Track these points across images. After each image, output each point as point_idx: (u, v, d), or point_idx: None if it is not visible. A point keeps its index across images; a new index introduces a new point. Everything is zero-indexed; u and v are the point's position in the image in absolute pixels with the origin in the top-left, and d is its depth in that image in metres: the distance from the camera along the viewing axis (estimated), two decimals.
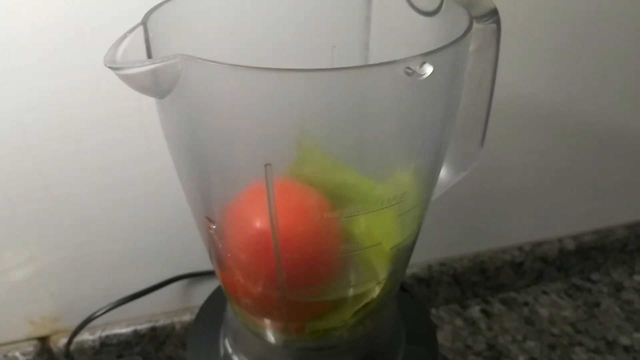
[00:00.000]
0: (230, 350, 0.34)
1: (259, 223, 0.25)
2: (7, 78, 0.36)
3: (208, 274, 0.50)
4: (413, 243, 0.30)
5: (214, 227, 0.26)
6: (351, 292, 0.28)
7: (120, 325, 0.49)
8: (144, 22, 0.24)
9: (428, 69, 0.21)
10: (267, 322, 0.30)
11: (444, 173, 0.36)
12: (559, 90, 0.51)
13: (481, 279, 0.59)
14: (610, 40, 0.49)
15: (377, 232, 0.26)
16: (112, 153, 0.41)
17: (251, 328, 0.32)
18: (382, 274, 0.28)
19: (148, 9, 0.26)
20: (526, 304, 0.60)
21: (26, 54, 0.36)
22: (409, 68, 0.21)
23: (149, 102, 0.40)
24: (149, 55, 0.25)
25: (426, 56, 0.21)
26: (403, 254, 0.29)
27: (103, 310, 0.45)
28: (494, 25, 0.31)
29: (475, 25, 0.29)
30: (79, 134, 0.40)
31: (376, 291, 0.29)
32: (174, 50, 0.21)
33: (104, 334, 0.49)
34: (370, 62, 0.35)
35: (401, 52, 0.32)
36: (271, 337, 0.31)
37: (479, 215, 0.57)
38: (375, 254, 0.27)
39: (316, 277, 0.27)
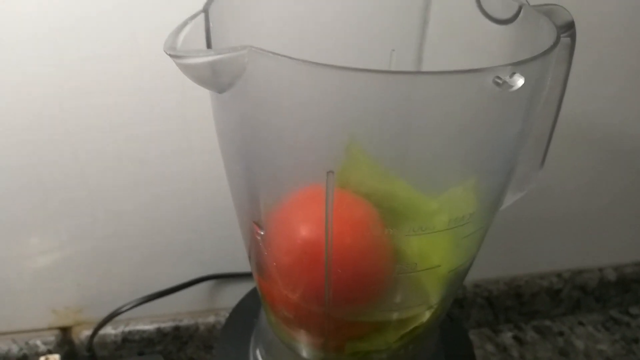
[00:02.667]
0: None
1: (312, 232, 0.23)
2: (49, 63, 0.36)
3: (236, 277, 0.48)
4: (469, 266, 0.28)
5: (262, 233, 0.24)
6: (399, 315, 0.26)
7: (144, 322, 0.48)
8: (206, 10, 0.23)
9: (519, 81, 0.19)
10: (305, 337, 0.29)
11: None
12: (616, 113, 0.48)
13: (516, 304, 0.57)
14: None
15: (437, 254, 0.24)
16: (151, 146, 0.40)
17: (286, 341, 0.30)
18: (435, 298, 0.26)
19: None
20: (561, 333, 0.57)
21: (69, 40, 0.35)
22: (499, 78, 0.19)
23: (192, 95, 0.39)
24: (209, 45, 0.23)
25: (517, 66, 0.19)
26: (459, 277, 0.27)
27: (128, 307, 0.44)
28: (569, 39, 0.29)
29: None
30: (118, 124, 0.39)
31: (426, 315, 0.27)
32: (232, 41, 0.20)
33: (127, 329, 0.47)
34: (426, 68, 0.33)
35: (465, 60, 0.31)
36: (307, 353, 0.29)
37: (518, 237, 0.54)
38: (430, 277, 0.25)
39: (366, 296, 0.25)
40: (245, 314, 0.36)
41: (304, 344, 0.29)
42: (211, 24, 0.23)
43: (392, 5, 0.33)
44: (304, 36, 0.30)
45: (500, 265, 0.55)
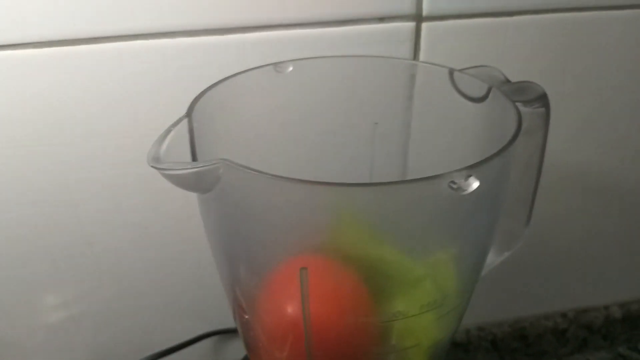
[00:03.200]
0: None
1: (291, 320, 0.24)
2: (54, 139, 0.38)
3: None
4: (452, 337, 0.29)
5: (247, 317, 0.26)
6: None
7: None
8: (189, 114, 0.25)
9: (474, 184, 0.20)
10: None
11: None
12: (610, 157, 0.49)
13: (521, 346, 0.57)
14: None
15: (417, 333, 0.25)
16: (153, 213, 0.42)
17: None
18: None
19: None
20: None
21: (75, 118, 0.37)
22: (453, 182, 0.20)
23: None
24: (192, 144, 0.25)
25: (472, 169, 0.20)
26: (442, 349, 0.28)
27: None
28: (543, 109, 0.30)
29: (523, 109, 0.29)
30: (122, 194, 0.41)
31: None
32: (219, 134, 0.22)
33: None
34: (412, 141, 0.34)
35: (445, 134, 0.32)
36: None
37: (521, 279, 0.55)
38: (412, 354, 0.26)
39: None
40: None
41: None
42: (196, 124, 0.25)
43: (375, 83, 0.34)
44: (292, 117, 0.32)
45: (504, 307, 0.56)
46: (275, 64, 0.30)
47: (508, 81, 0.31)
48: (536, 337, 0.56)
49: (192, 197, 0.41)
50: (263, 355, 0.28)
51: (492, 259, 0.35)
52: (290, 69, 0.30)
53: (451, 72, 0.30)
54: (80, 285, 0.44)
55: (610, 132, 0.47)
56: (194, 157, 0.24)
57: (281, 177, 0.19)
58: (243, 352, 0.41)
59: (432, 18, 0.38)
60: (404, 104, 0.34)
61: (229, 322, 0.49)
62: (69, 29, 0.34)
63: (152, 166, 0.21)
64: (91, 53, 0.35)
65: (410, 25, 0.37)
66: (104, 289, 0.45)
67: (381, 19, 0.37)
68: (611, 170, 0.49)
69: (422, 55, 0.38)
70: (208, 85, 0.27)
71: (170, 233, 0.43)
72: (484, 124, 0.30)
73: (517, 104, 0.28)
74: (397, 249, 0.23)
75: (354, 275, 0.25)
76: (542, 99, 0.30)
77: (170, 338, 0.47)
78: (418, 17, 0.37)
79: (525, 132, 0.31)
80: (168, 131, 0.23)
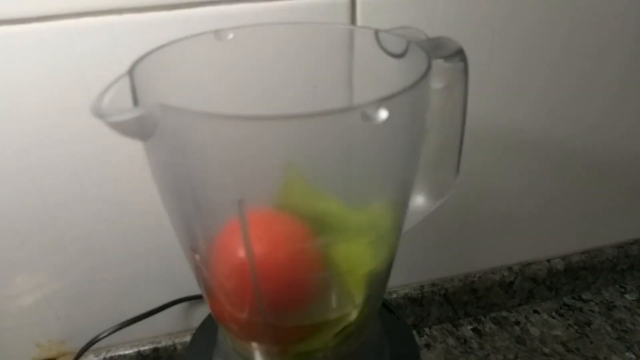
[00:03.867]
0: None
1: (238, 255, 0.27)
2: (13, 118, 0.39)
3: None
4: (388, 269, 0.32)
5: (198, 257, 0.29)
6: (329, 316, 0.30)
7: (125, 347, 0.52)
8: (130, 72, 0.27)
9: (383, 114, 0.23)
10: (253, 345, 0.33)
11: (422, 201, 0.38)
12: (541, 116, 0.53)
13: (472, 299, 0.61)
14: (589, 63, 0.51)
15: (351, 259, 0.28)
16: (115, 186, 0.44)
17: (239, 351, 0.34)
18: (358, 298, 0.31)
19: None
20: (517, 322, 0.62)
21: (31, 94, 0.39)
22: (365, 114, 0.23)
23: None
24: (135, 101, 0.27)
25: (382, 102, 0.23)
26: (378, 279, 0.31)
27: (107, 332, 0.48)
28: (462, 63, 0.33)
29: (443, 64, 0.32)
30: (83, 170, 0.43)
31: (354, 315, 0.31)
32: (161, 95, 0.24)
33: (109, 355, 0.51)
34: (348, 100, 0.38)
35: (378, 90, 0.35)
36: (258, 358, 0.33)
37: (468, 237, 0.59)
38: (350, 280, 0.29)
39: (295, 303, 0.29)
40: (207, 332, 0.40)
41: (254, 352, 0.33)
42: (138, 83, 0.27)
43: (315, 47, 0.37)
44: (234, 81, 0.34)
45: (454, 264, 0.60)
46: (216, 31, 0.32)
47: (428, 39, 0.34)
48: (485, 290, 0.61)
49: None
50: (217, 295, 0.31)
51: (427, 205, 0.38)
52: (231, 36, 0.33)
53: (376, 32, 0.33)
54: (48, 261, 0.46)
55: (539, 89, 0.51)
56: None
57: (212, 113, 0.22)
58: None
59: None
60: (339, 67, 0.37)
61: (196, 290, 0.52)
62: (19, 8, 0.36)
63: (93, 115, 0.23)
64: (41, 31, 0.37)
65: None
66: (72, 263, 0.47)
67: None
68: (544, 128, 0.53)
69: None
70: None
71: (132, 204, 0.45)
72: (405, 78, 0.33)
73: (438, 60, 0.31)
74: (321, 185, 0.26)
75: (302, 209, 0.29)
76: (460, 54, 0.33)
77: (141, 307, 0.50)
78: None
79: (446, 87, 0.34)
80: (109, 87, 0.25)
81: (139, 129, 0.24)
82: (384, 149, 0.26)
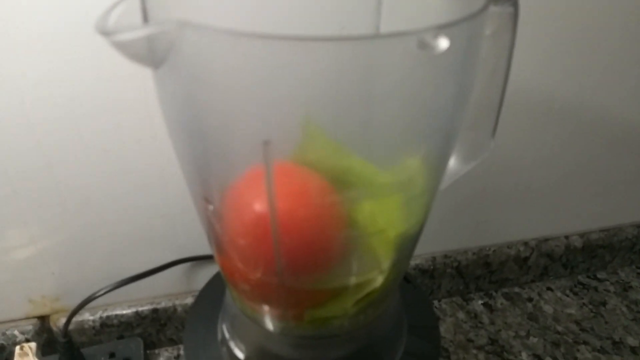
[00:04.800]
0: (227, 335, 0.33)
1: (258, 206, 0.24)
2: (7, 55, 0.36)
3: (210, 258, 0.49)
4: (419, 232, 0.29)
5: (211, 208, 0.25)
6: (353, 280, 0.28)
7: (122, 307, 0.49)
8: None
9: (443, 43, 0.20)
10: (265, 308, 0.30)
11: (453, 162, 0.35)
12: (573, 85, 0.50)
13: (485, 273, 0.58)
14: (627, 34, 0.47)
15: (382, 219, 0.25)
16: (115, 135, 0.41)
17: (249, 314, 0.31)
18: (386, 262, 0.28)
19: None
20: (530, 299, 0.59)
21: (28, 30, 0.35)
22: (422, 41, 0.20)
23: (153, 85, 0.39)
24: (146, 20, 0.24)
25: (441, 29, 0.20)
26: (408, 242, 0.28)
27: (104, 291, 0.45)
28: (512, 8, 0.30)
29: (492, 8, 0.28)
30: (81, 114, 0.39)
31: (379, 280, 0.28)
32: (171, 15, 0.21)
33: (105, 314, 0.48)
34: None
35: None
36: (269, 324, 0.31)
37: (484, 209, 0.56)
38: (379, 242, 0.26)
39: (316, 264, 0.26)
40: (214, 292, 0.37)
41: (265, 315, 0.30)
42: (149, 4, 0.24)
43: None
44: (252, 15, 0.31)
45: (469, 236, 0.57)
46: None
47: None
48: (499, 265, 0.58)
49: (155, 115, 0.40)
50: (230, 251, 0.28)
51: (459, 167, 0.35)
52: None
53: None
54: (43, 213, 0.43)
55: (575, 56, 0.47)
56: None
57: (246, 33, 0.18)
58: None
59: None
60: (370, 7, 0.33)
61: (200, 250, 0.49)
62: None
63: (99, 32, 0.20)
64: None
65: None
66: (68, 216, 0.44)
67: None
68: (575, 97, 0.50)
69: None
70: None
71: (133, 155, 0.42)
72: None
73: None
74: (364, 117, 0.23)
75: (321, 166, 0.25)
76: None
77: (140, 266, 0.47)
78: None
79: (492, 34, 0.31)
80: (116, 3, 0.22)
81: (151, 51, 0.20)
82: (432, 90, 0.23)
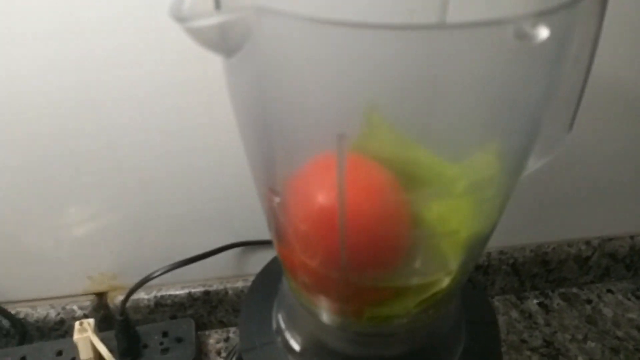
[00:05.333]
0: (283, 325, 0.33)
1: (326, 198, 0.23)
2: (73, 36, 0.36)
3: (263, 244, 0.49)
4: (491, 233, 0.28)
5: (277, 199, 0.25)
6: (418, 280, 0.27)
7: (175, 287, 0.50)
8: None
9: (543, 32, 0.18)
10: (324, 302, 0.29)
11: None
12: None
13: (542, 271, 0.56)
14: None
15: (454, 219, 0.24)
16: (177, 118, 0.41)
17: (306, 306, 0.31)
18: (454, 263, 0.27)
19: None
20: (589, 301, 0.57)
21: (93, 9, 0.36)
22: (521, 29, 0.18)
23: (215, 68, 0.39)
24: (218, 7, 0.23)
25: (541, 16, 0.18)
26: (479, 243, 0.27)
27: (160, 272, 0.45)
28: None
29: None
30: (144, 95, 0.40)
31: (445, 281, 0.27)
32: (246, 2, 0.20)
33: (160, 294, 0.49)
34: None
35: None
36: (326, 317, 0.30)
37: (546, 204, 0.53)
38: (448, 243, 0.25)
39: (382, 261, 0.25)
40: (269, 279, 0.37)
41: (323, 309, 0.30)
42: None
43: None
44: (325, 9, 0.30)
45: (527, 232, 0.55)
46: None
47: None
48: (558, 264, 0.56)
49: (215, 100, 0.40)
50: (293, 243, 0.27)
51: (533, 162, 0.33)
52: None
53: None
54: (104, 192, 0.44)
55: None
56: None
57: (328, 21, 0.17)
58: (265, 264, 0.41)
59: None
60: None
61: (253, 235, 0.49)
62: None
63: (173, 17, 0.19)
64: None
65: None
66: (128, 196, 0.45)
67: None
68: None
69: None
70: None
71: (194, 138, 0.42)
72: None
73: None
74: (451, 116, 0.21)
75: (386, 157, 0.24)
76: None
77: (194, 248, 0.48)
78: None
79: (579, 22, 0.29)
80: None
81: (226, 38, 0.19)
82: (522, 83, 0.21)
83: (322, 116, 0.21)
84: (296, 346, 0.32)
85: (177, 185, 0.45)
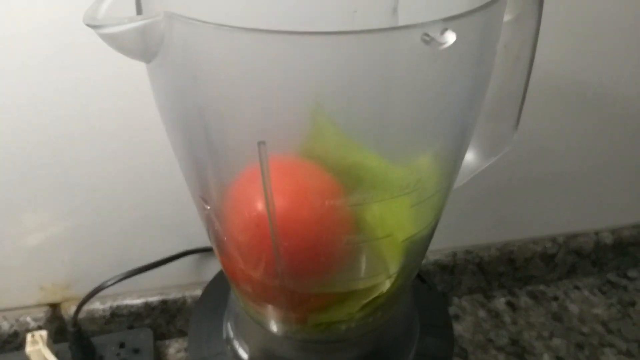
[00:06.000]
0: (232, 334, 0.32)
1: (256, 206, 0.22)
2: (9, 42, 0.35)
3: None
4: (430, 235, 0.27)
5: (209, 208, 0.24)
6: (358, 285, 0.26)
7: (132, 297, 0.48)
8: None
9: (450, 38, 0.18)
10: (268, 310, 0.28)
11: (472, 157, 0.33)
12: (607, 70, 0.46)
13: (509, 270, 0.56)
14: None
15: (389, 222, 0.23)
16: (122, 118, 0.40)
17: (252, 314, 0.30)
18: (394, 267, 0.26)
19: None
20: (555, 298, 0.57)
21: (28, 16, 0.34)
22: (427, 35, 0.18)
23: None
24: (139, 13, 0.22)
25: (448, 22, 0.18)
26: (418, 246, 0.27)
27: (114, 280, 0.44)
28: None
29: None
30: (86, 97, 0.38)
31: (386, 285, 0.26)
32: (171, 10, 0.19)
33: (115, 304, 0.48)
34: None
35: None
36: (272, 325, 0.29)
37: (510, 202, 0.53)
38: (386, 246, 0.24)
39: (318, 267, 0.24)
40: (221, 287, 0.36)
41: (268, 317, 0.29)
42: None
43: None
44: (262, 13, 0.29)
45: (492, 231, 0.55)
46: None
47: None
48: (524, 262, 0.56)
49: None
50: (229, 251, 0.26)
51: (479, 163, 0.33)
52: None
53: None
54: (52, 199, 0.43)
55: (612, 42, 0.44)
56: None
57: (232, 26, 0.17)
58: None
59: None
60: None
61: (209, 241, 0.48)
62: None
63: (87, 24, 0.18)
64: None
65: None
66: (78, 202, 0.43)
67: None
68: (609, 84, 0.47)
69: None
70: None
71: (142, 141, 0.41)
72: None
73: None
74: (358, 131, 0.21)
75: (331, 160, 0.24)
76: None
77: (149, 255, 0.46)
78: None
79: (515, 19, 0.28)
80: None
81: (141, 44, 0.19)
82: (443, 84, 0.20)
83: (242, 123, 0.20)
84: (244, 355, 0.31)
85: (129, 192, 0.43)
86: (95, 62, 0.37)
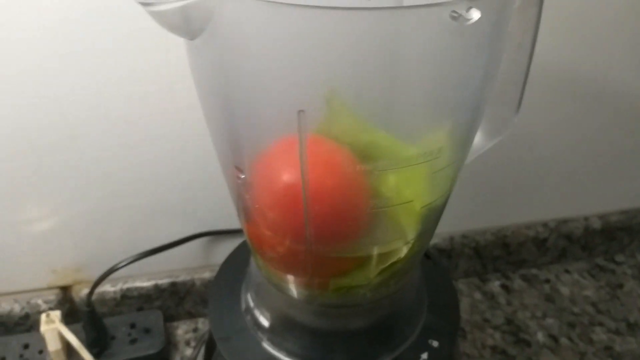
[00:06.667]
0: (252, 304, 0.34)
1: (289, 174, 0.24)
2: (30, 25, 0.36)
3: (229, 233, 0.50)
4: (444, 204, 0.29)
5: (242, 176, 0.26)
6: (378, 250, 0.28)
7: (142, 279, 0.50)
8: None
9: (475, 14, 0.20)
10: (291, 276, 0.30)
11: (477, 137, 0.35)
12: (599, 60, 0.49)
13: (503, 254, 0.58)
14: None
15: (409, 189, 0.25)
16: (138, 106, 0.41)
17: (274, 282, 0.31)
18: (411, 233, 0.28)
19: None
20: (547, 281, 0.59)
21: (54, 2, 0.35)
22: (454, 12, 0.20)
23: (176, 55, 0.39)
24: None
25: (473, 0, 0.20)
26: (433, 214, 0.29)
27: (125, 263, 0.45)
28: None
29: None
30: (104, 84, 0.40)
31: (403, 251, 0.28)
32: None
33: (125, 286, 0.49)
34: None
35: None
36: (294, 291, 0.31)
37: (504, 188, 0.56)
38: (405, 213, 0.26)
39: (344, 232, 0.26)
40: (236, 264, 0.38)
41: (291, 283, 0.30)
42: None
43: None
44: None
45: (488, 216, 0.57)
46: None
47: None
48: (517, 246, 0.58)
49: (177, 86, 0.41)
50: (259, 219, 0.28)
51: (482, 143, 0.35)
52: None
53: None
54: (65, 183, 0.44)
55: (603, 32, 0.47)
56: None
57: (285, 3, 0.18)
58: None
59: None
60: None
61: (219, 224, 0.49)
62: None
63: (138, 2, 0.20)
64: None
65: None
66: (90, 187, 0.45)
67: None
68: (600, 74, 0.50)
69: None
70: None
71: (156, 127, 0.42)
72: None
73: None
74: (390, 98, 0.23)
75: (346, 140, 0.25)
76: None
77: (159, 238, 0.48)
78: None
79: (520, 8, 0.30)
80: None
81: (189, 21, 0.20)
82: (465, 59, 0.22)
83: (282, 95, 0.22)
84: (265, 322, 0.33)
85: (140, 175, 0.45)
86: (111, 50, 0.38)
